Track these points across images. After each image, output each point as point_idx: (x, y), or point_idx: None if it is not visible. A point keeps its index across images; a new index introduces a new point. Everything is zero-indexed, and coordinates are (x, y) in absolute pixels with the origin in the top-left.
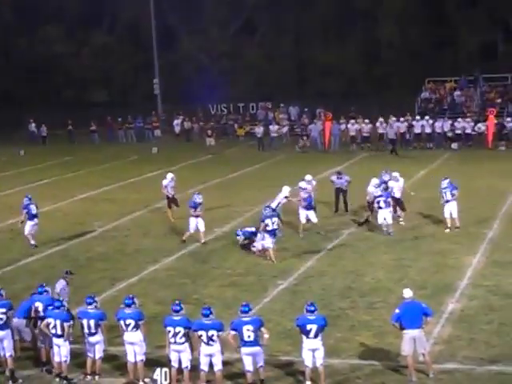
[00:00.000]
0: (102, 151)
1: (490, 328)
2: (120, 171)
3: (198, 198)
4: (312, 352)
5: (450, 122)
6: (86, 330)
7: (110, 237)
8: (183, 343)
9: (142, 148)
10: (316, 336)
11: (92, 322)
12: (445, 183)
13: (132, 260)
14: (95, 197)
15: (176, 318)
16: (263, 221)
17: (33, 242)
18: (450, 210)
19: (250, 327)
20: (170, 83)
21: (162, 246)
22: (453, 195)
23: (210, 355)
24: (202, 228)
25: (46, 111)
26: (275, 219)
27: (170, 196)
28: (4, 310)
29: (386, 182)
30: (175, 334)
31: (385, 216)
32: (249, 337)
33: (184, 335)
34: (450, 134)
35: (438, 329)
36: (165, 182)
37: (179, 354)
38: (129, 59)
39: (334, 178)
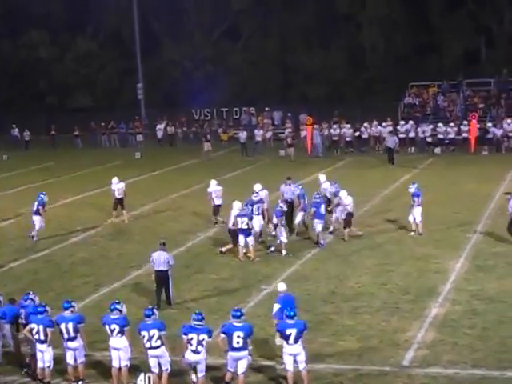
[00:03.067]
0: (85, 156)
1: (473, 332)
2: (103, 176)
3: (285, 207)
4: (293, 357)
5: (431, 126)
6: (65, 335)
7: (93, 242)
8: (159, 346)
9: (125, 153)
10: (296, 341)
11: (70, 326)
12: (412, 188)
13: (115, 265)
14: (78, 202)
15: (149, 322)
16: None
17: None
18: (414, 215)
19: (241, 334)
20: (153, 88)
21: (145, 251)
22: (414, 201)
23: (197, 362)
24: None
25: (29, 116)
26: (245, 219)
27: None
28: None
29: (335, 194)
30: (150, 338)
31: (314, 226)
32: (238, 343)
33: (159, 338)
34: (429, 140)
35: (421, 333)
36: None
37: (158, 359)
38: (112, 64)
39: (282, 186)
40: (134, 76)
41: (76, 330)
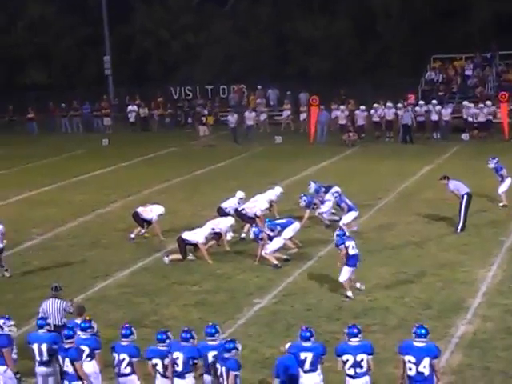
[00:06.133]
0: (42, 143)
1: (507, 355)
2: (63, 168)
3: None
4: None
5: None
6: (38, 358)
7: (51, 247)
8: (129, 374)
9: (90, 139)
10: (314, 368)
11: (44, 347)
12: (492, 163)
13: (78, 274)
14: (33, 199)
15: (124, 343)
16: None
17: None
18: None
19: (215, 353)
20: (123, 62)
21: (114, 257)
22: (501, 177)
23: None
24: None
25: None
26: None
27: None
28: None
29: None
30: (119, 362)
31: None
32: None
33: (129, 364)
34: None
35: (446, 356)
36: None
37: None
38: (74, 33)
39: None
40: (99, 47)
41: (50, 354)
